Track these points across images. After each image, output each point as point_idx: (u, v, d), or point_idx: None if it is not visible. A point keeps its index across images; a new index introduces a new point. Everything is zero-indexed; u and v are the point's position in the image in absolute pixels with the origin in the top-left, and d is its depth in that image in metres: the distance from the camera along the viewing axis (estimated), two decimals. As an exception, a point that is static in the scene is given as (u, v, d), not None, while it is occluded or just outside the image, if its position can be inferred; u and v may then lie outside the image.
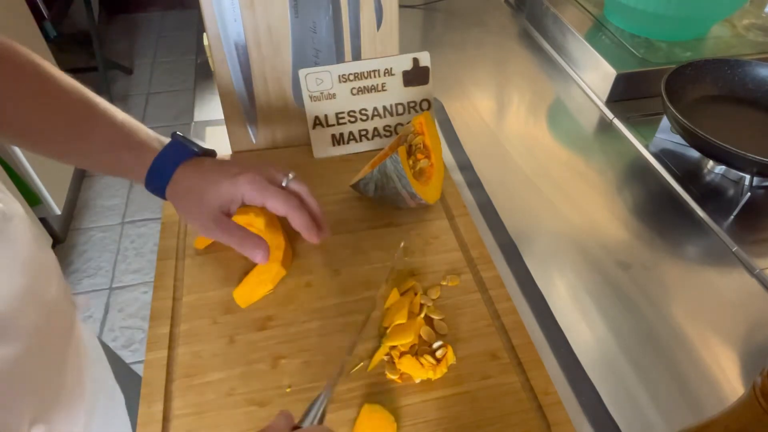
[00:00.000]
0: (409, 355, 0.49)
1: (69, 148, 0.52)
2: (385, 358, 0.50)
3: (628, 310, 0.56)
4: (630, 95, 0.84)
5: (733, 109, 0.76)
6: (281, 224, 0.58)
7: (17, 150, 1.54)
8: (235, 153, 0.72)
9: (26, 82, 0.48)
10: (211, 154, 0.56)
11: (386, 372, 0.49)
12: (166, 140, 0.53)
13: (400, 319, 0.51)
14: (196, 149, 0.54)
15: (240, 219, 0.58)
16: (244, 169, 0.51)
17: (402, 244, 0.60)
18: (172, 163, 0.51)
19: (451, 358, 0.50)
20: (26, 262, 0.45)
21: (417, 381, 0.49)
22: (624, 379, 0.51)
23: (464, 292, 0.56)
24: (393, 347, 0.50)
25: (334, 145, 0.72)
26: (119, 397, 0.64)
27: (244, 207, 0.58)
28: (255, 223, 0.57)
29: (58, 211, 1.76)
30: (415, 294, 0.55)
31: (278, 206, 0.51)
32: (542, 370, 0.50)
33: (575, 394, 0.50)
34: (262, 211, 0.56)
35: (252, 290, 0.55)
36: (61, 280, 0.53)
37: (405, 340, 0.50)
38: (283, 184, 0.53)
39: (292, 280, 0.57)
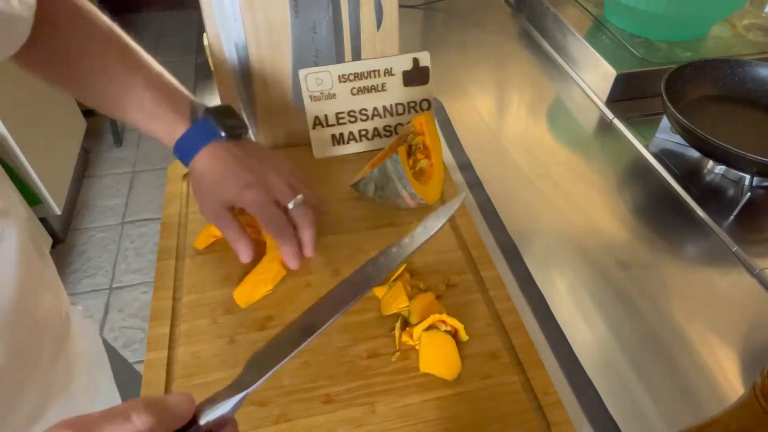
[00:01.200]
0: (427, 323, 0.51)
1: (105, 99, 0.53)
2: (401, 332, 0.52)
3: (628, 310, 0.56)
4: (630, 95, 0.84)
5: (733, 109, 0.76)
6: None
7: (18, 150, 1.54)
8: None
9: (74, 23, 0.50)
10: (238, 132, 0.55)
11: (403, 337, 0.51)
12: (200, 110, 0.54)
13: (403, 302, 0.53)
14: (222, 133, 0.53)
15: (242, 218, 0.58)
16: (255, 181, 0.52)
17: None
18: (195, 146, 0.53)
19: (463, 335, 0.52)
20: (16, 280, 0.44)
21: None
22: (624, 379, 0.51)
23: (464, 292, 0.56)
24: (413, 324, 0.52)
25: (334, 145, 0.72)
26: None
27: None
28: (256, 222, 0.57)
29: (58, 211, 1.75)
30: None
31: (270, 232, 0.53)
32: (542, 370, 0.50)
33: (575, 394, 0.50)
34: None
35: (252, 290, 0.55)
36: (56, 295, 0.52)
37: (430, 302, 0.53)
38: (289, 206, 0.53)
39: (292, 280, 0.57)
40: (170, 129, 0.53)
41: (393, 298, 0.54)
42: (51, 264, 0.53)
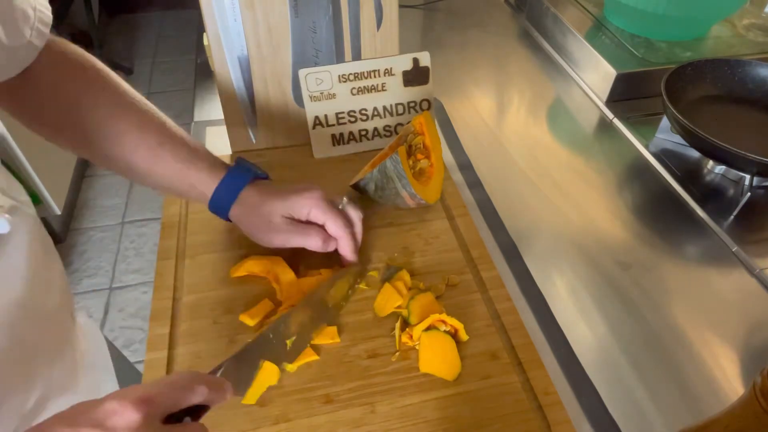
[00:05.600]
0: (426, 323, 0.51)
1: (139, 164, 0.54)
2: (401, 333, 0.52)
3: (628, 310, 0.56)
4: (630, 95, 0.84)
5: (733, 109, 0.76)
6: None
7: (17, 150, 1.53)
8: (235, 153, 0.72)
9: (104, 94, 0.52)
10: (266, 175, 0.58)
11: (402, 338, 0.52)
12: (228, 164, 0.56)
13: (396, 301, 0.53)
14: (260, 172, 0.56)
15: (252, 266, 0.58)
16: (309, 187, 0.55)
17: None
18: (237, 186, 0.54)
19: (463, 335, 0.52)
20: (24, 276, 0.44)
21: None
22: (624, 379, 0.51)
23: (464, 292, 0.56)
24: (412, 324, 0.52)
25: (334, 145, 0.72)
26: None
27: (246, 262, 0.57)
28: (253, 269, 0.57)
29: (58, 211, 1.75)
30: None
31: (336, 229, 0.54)
32: (542, 370, 0.50)
33: (575, 394, 0.50)
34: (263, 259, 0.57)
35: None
36: (63, 292, 0.53)
37: (429, 302, 0.53)
38: (339, 208, 0.56)
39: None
40: (209, 175, 0.54)
41: (385, 300, 0.54)
42: (58, 261, 0.54)
